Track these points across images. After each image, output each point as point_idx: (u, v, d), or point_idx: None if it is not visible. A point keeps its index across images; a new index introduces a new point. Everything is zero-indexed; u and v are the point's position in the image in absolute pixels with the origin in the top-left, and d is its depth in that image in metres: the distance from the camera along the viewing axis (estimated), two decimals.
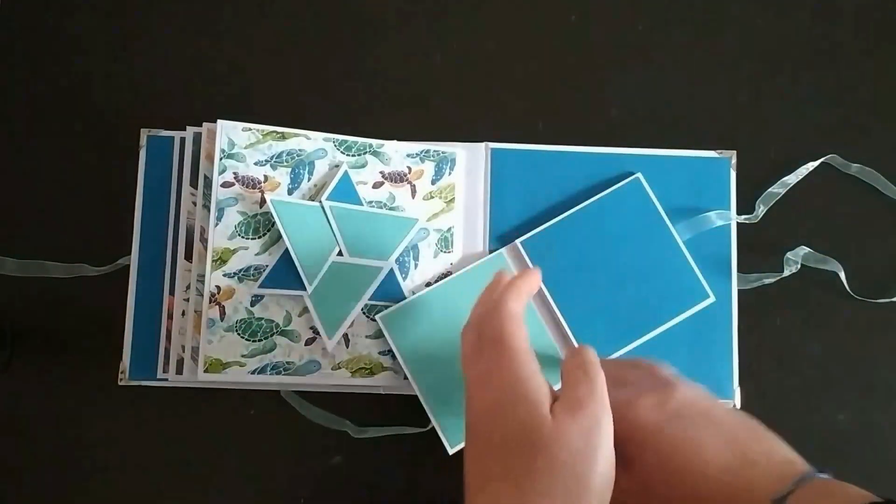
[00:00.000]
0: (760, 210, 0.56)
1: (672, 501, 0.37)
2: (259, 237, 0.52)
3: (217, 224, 0.52)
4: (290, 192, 0.53)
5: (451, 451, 0.51)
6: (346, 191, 0.53)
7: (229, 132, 0.53)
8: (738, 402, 0.54)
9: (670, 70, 0.58)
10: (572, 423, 0.34)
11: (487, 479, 0.35)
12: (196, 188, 0.53)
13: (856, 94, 0.58)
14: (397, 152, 0.55)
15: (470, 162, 0.56)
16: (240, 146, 0.53)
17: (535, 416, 0.35)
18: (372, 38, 0.59)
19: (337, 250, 0.53)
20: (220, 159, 0.52)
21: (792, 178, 0.56)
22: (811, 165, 0.56)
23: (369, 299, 0.53)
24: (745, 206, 0.56)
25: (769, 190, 0.56)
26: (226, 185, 0.52)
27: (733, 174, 0.56)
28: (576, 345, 0.53)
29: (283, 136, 0.53)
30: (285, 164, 0.53)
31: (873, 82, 0.58)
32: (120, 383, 0.54)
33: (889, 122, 0.58)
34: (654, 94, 0.58)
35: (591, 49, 0.59)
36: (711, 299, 0.54)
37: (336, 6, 0.59)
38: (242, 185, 0.52)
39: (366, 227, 0.53)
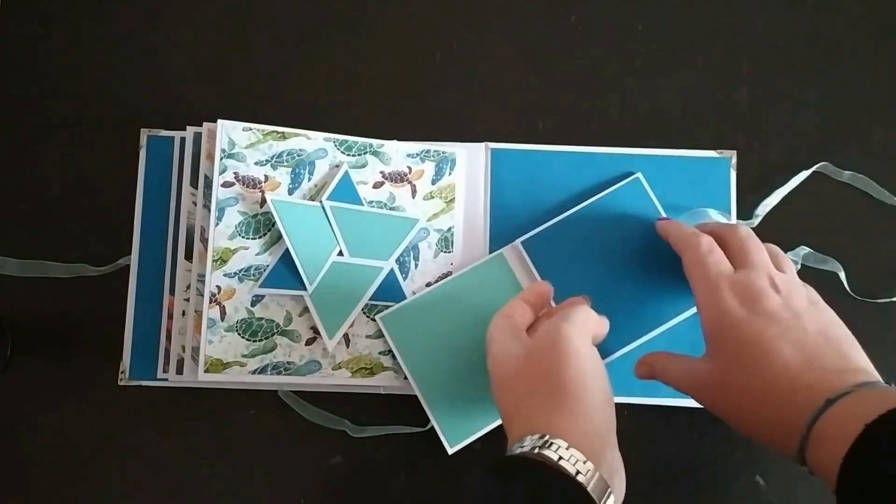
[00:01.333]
0: (757, 219, 0.56)
1: (747, 392, 0.41)
2: (259, 237, 0.52)
3: (217, 224, 0.52)
4: (290, 192, 0.53)
5: (450, 451, 0.51)
6: (346, 191, 0.53)
7: (230, 132, 0.53)
8: None
9: (670, 70, 0.59)
10: (536, 341, 0.43)
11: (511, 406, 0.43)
12: (196, 188, 0.53)
13: (857, 94, 0.58)
14: (397, 152, 0.55)
15: (470, 162, 0.56)
16: (240, 146, 0.53)
17: (516, 349, 0.44)
18: (372, 37, 0.59)
19: (337, 250, 0.52)
20: (221, 159, 0.52)
21: (785, 189, 0.56)
22: (803, 175, 0.56)
23: (370, 299, 0.53)
24: (744, 207, 0.56)
25: (764, 201, 0.56)
26: (226, 184, 0.52)
27: (733, 174, 0.56)
28: None
29: (284, 136, 0.53)
30: (286, 163, 0.53)
31: (875, 82, 0.58)
32: (120, 383, 0.54)
33: (890, 123, 0.58)
34: (653, 94, 0.58)
35: (591, 49, 0.59)
36: None
37: (336, 5, 0.59)
38: (243, 184, 0.52)
39: (366, 227, 0.53)
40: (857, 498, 0.35)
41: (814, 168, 0.57)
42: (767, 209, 0.56)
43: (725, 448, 0.54)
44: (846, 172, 0.57)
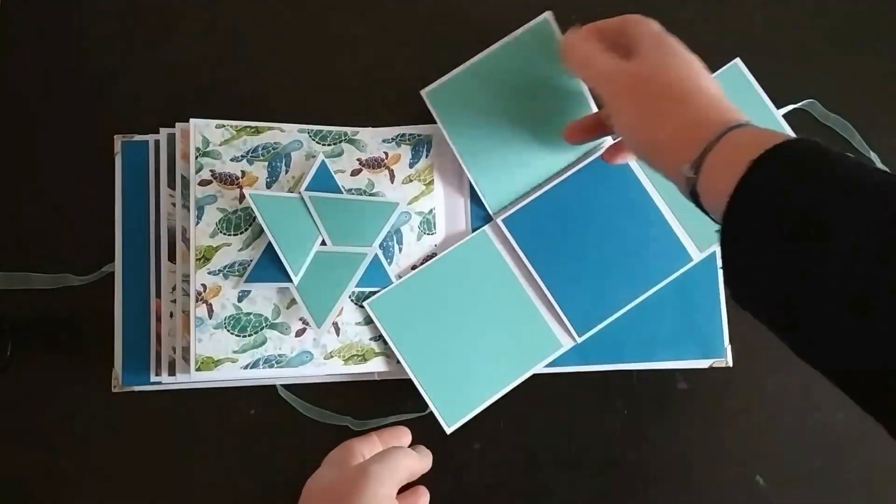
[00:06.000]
0: None
1: (671, 88, 0.42)
2: (241, 233, 0.52)
3: (198, 223, 0.52)
4: (268, 186, 0.53)
5: (448, 431, 0.52)
6: (324, 180, 0.53)
7: (203, 130, 0.52)
8: (729, 360, 0.54)
9: None
10: (345, 472, 0.45)
11: None
12: (174, 189, 0.53)
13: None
14: (373, 138, 0.55)
15: (446, 142, 0.56)
16: (214, 143, 0.52)
17: (333, 475, 0.46)
18: (339, 26, 0.59)
19: (320, 240, 0.52)
20: (196, 158, 0.52)
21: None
22: (787, 108, 0.56)
23: (356, 286, 0.53)
24: None
25: None
26: (203, 183, 0.52)
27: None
28: (562, 316, 0.53)
29: (258, 130, 0.53)
30: (261, 158, 0.53)
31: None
32: (114, 390, 0.54)
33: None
34: None
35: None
36: (693, 262, 0.54)
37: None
38: (220, 181, 0.52)
39: (347, 214, 0.53)
40: (741, 227, 0.36)
41: (801, 104, 0.57)
42: None
43: (725, 448, 0.53)
44: (832, 115, 0.56)
